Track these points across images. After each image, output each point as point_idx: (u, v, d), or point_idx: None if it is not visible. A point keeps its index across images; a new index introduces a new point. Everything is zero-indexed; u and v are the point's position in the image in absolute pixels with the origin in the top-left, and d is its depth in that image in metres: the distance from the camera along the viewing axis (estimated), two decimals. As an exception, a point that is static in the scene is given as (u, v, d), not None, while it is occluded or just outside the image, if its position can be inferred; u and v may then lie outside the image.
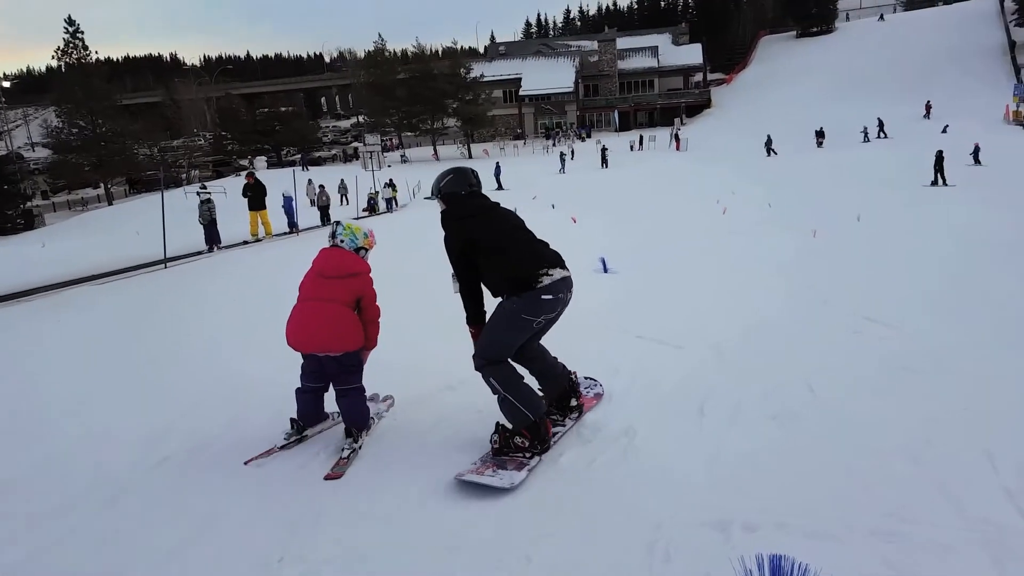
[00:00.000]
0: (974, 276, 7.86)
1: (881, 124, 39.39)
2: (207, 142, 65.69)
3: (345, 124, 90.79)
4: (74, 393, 5.17)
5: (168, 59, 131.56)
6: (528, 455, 3.59)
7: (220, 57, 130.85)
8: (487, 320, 3.72)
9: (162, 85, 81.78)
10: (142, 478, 3.76)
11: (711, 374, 4.81)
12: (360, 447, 3.88)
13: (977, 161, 27.03)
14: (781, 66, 66.13)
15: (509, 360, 3.72)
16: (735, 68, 72.88)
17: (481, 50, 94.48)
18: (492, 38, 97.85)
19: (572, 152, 44.17)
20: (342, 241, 3.98)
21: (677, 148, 44.01)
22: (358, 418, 3.92)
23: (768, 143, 36.64)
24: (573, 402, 4.10)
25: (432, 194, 3.97)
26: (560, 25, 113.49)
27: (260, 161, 51.99)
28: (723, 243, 11.08)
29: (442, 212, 3.82)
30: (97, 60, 51.28)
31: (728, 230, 12.55)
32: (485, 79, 57.80)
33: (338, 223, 4.08)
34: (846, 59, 61.31)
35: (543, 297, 3.56)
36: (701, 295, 7.39)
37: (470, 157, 51.45)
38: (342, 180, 29.65)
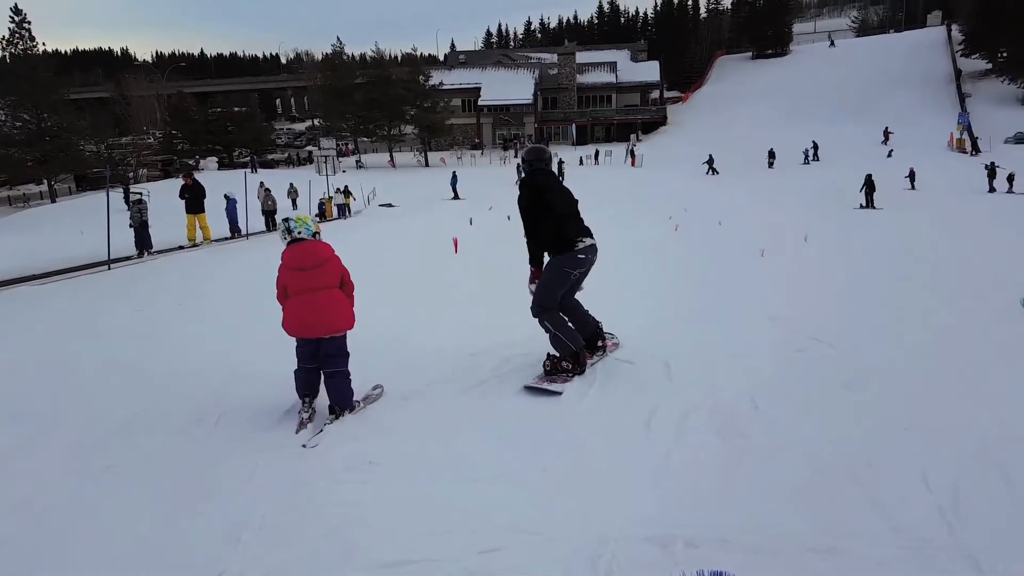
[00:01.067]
0: (908, 296, 8.15)
1: (816, 147, 40.63)
2: (157, 140, 63.99)
3: (300, 127, 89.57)
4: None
5: (119, 54, 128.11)
6: (571, 375, 4.86)
7: (173, 54, 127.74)
8: (542, 278, 4.94)
9: (112, 80, 79.54)
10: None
11: (659, 389, 4.84)
12: (345, 418, 4.29)
13: (912, 186, 28.16)
14: (736, 86, 67.84)
15: (557, 309, 4.91)
16: (691, 87, 74.51)
17: (441, 58, 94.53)
18: (452, 46, 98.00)
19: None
20: (300, 233, 4.24)
21: (632, 164, 44.66)
22: (344, 399, 4.30)
23: (710, 161, 37.48)
24: (599, 343, 5.41)
25: (521, 161, 5.27)
26: (521, 36, 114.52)
27: (211, 162, 50.89)
28: (675, 259, 11.25)
29: (527, 178, 4.96)
30: (44, 52, 49.50)
31: (680, 247, 12.75)
32: (444, 87, 57.69)
33: (287, 219, 4.30)
34: (799, 82, 63.25)
35: (578, 256, 4.87)
36: (651, 310, 7.46)
37: (427, 165, 51.31)
38: (291, 184, 28.97)
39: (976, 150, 41.94)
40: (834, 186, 26.46)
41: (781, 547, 2.93)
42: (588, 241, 4.93)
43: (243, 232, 16.90)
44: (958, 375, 5.11)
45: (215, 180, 24.57)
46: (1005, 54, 52.86)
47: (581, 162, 46.04)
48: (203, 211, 14.79)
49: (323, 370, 4.26)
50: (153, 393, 4.94)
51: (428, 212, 22.05)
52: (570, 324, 4.99)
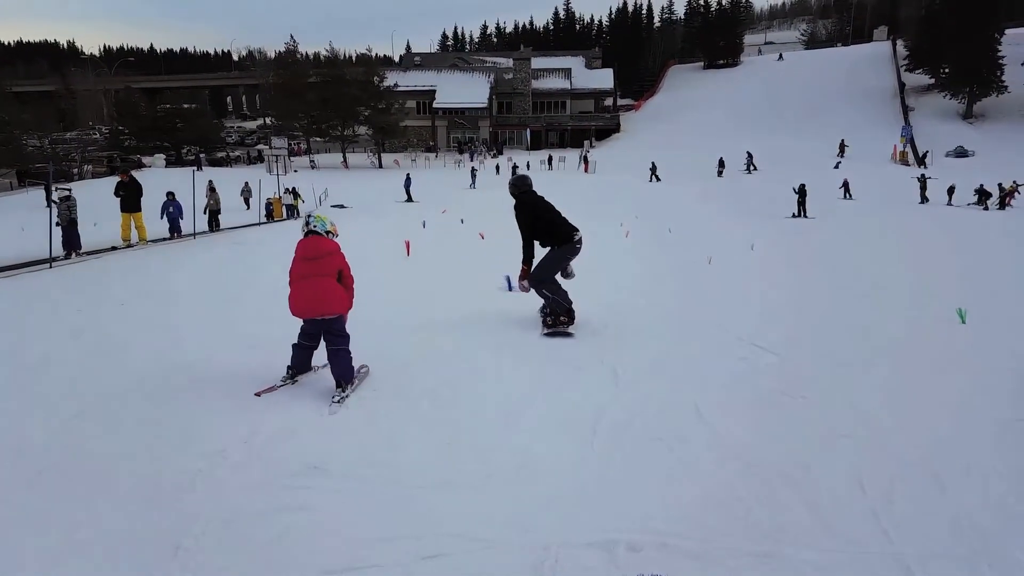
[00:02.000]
0: (846, 305, 8.43)
1: (750, 157, 41.58)
2: (103, 136, 61.95)
3: (251, 125, 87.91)
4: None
5: (65, 46, 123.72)
6: (567, 326, 6.52)
7: (122, 48, 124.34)
8: (540, 260, 6.47)
9: (57, 73, 76.86)
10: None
11: (606, 396, 4.91)
12: (348, 396, 4.74)
13: (848, 195, 29.20)
14: (688, 96, 69.09)
15: (553, 282, 6.46)
16: (644, 95, 75.52)
17: (396, 59, 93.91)
18: (408, 48, 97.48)
19: (484, 166, 44.42)
20: (314, 228, 4.92)
21: (586, 170, 45.04)
22: (346, 373, 4.83)
23: (653, 169, 38.15)
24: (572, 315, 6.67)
25: (511, 187, 6.58)
26: (476, 40, 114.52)
27: (158, 159, 49.49)
28: (624, 266, 11.39)
29: (517, 200, 6.47)
30: (-13, 43, 47.51)
31: (629, 253, 12.92)
32: (399, 88, 57.30)
33: (309, 215, 5.05)
34: (749, 93, 64.69)
35: (576, 246, 6.48)
36: (600, 316, 7.54)
37: (380, 167, 50.85)
38: (246, 183, 28.33)
39: (921, 163, 43.58)
40: (770, 195, 27.14)
41: (721, 552, 3.00)
42: (579, 234, 6.50)
43: (182, 233, 16.24)
44: (895, 384, 5.30)
45: (161, 178, 23.96)
46: (947, 70, 54.91)
47: (527, 166, 45.78)
48: (139, 210, 14.09)
49: (328, 347, 4.86)
50: (93, 393, 4.78)
51: (381, 214, 21.85)
52: (563, 289, 6.56)
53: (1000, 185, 27.86)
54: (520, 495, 3.50)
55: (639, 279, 10.15)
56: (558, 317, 6.54)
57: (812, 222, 21.21)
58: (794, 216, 22.74)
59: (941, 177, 31.85)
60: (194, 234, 16.45)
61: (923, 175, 30.63)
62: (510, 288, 8.78)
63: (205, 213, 18.90)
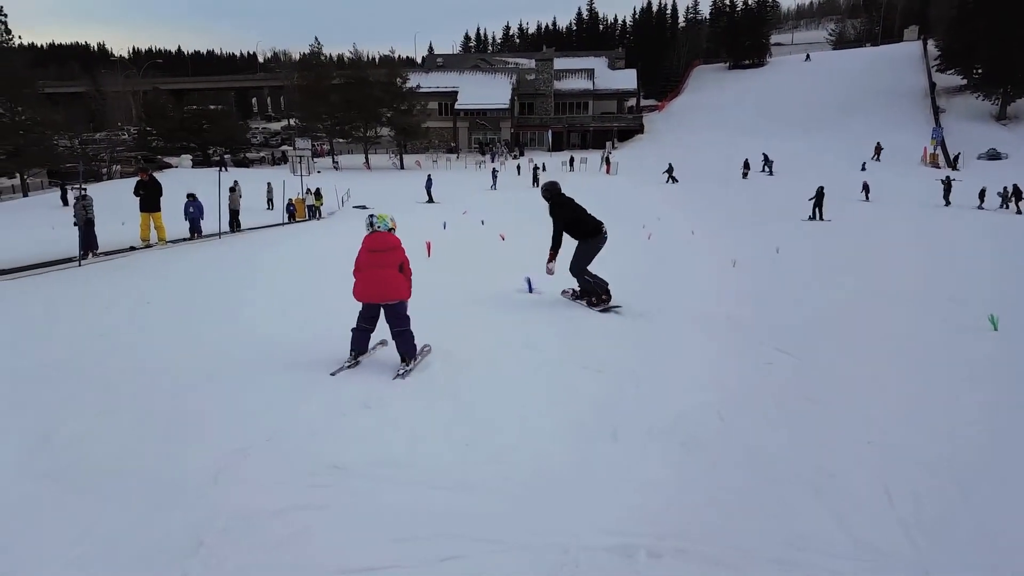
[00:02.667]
0: (868, 308, 8.31)
1: (766, 159, 41.00)
2: (131, 137, 62.86)
3: (276, 126, 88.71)
4: None
5: (96, 49, 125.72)
6: (608, 301, 7.70)
7: (150, 50, 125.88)
8: (575, 253, 7.64)
9: (88, 75, 78.11)
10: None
11: (627, 399, 4.88)
12: (412, 369, 5.40)
13: (867, 198, 28.83)
14: (713, 96, 68.38)
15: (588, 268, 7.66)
16: (668, 95, 75.01)
17: (419, 60, 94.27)
18: (430, 49, 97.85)
19: (504, 167, 44.41)
20: (378, 227, 5.60)
21: (607, 171, 44.87)
22: (410, 349, 5.49)
23: (670, 170, 37.87)
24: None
25: (543, 192, 7.91)
26: (499, 41, 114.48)
27: (185, 159, 50.16)
28: (646, 269, 11.32)
29: (552, 202, 7.75)
30: (20, 45, 48.49)
31: (652, 256, 12.84)
32: (421, 90, 57.44)
33: (372, 215, 5.75)
34: (776, 94, 63.82)
35: (604, 237, 7.71)
36: (622, 319, 7.50)
37: (402, 168, 51.11)
38: (269, 184, 28.59)
39: (952, 165, 42.77)
40: (789, 197, 26.73)
41: (742, 558, 2.97)
42: (605, 227, 7.75)
43: (203, 233, 16.10)
44: (922, 391, 5.21)
45: (190, 179, 24.25)
46: (980, 71, 53.80)
47: (544, 168, 45.10)
48: (159, 210, 13.85)
49: (392, 329, 5.48)
50: (112, 393, 4.85)
51: (402, 215, 21.88)
52: (598, 276, 7.78)
53: (1016, 186, 27.27)
54: (538, 498, 3.48)
55: (661, 282, 10.07)
56: (601, 296, 7.70)
57: (828, 224, 20.96)
58: (810, 218, 22.51)
59: (973, 180, 31.26)
60: (219, 233, 16.61)
61: (947, 177, 30.12)
62: (531, 290, 8.77)
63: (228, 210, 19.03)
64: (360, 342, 5.61)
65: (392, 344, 5.60)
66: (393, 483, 3.62)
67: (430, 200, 29.60)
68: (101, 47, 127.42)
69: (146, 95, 67.80)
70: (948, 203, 28.21)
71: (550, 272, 7.81)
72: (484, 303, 7.63)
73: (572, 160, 48.71)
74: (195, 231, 15.94)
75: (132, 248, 13.34)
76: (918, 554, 3.02)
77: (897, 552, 3.04)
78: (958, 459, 3.95)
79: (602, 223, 7.73)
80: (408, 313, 5.54)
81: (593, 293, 7.73)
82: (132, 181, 15.12)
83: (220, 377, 5.19)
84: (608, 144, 58.72)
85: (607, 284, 7.71)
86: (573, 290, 8.06)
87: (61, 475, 3.68)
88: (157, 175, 15.60)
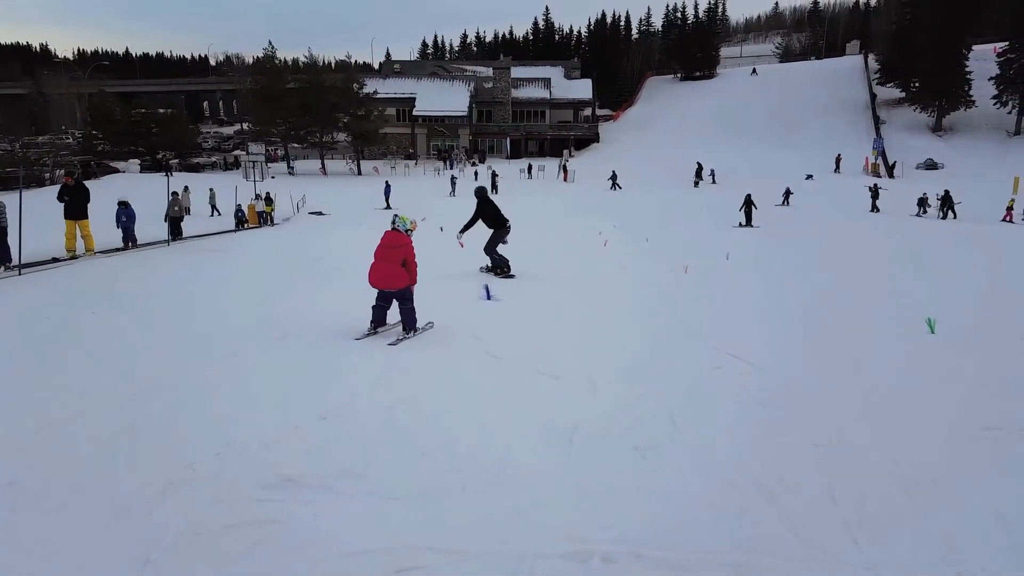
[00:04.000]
0: (815, 314, 8.54)
1: (699, 168, 41.69)
2: (76, 141, 60.93)
3: (229, 131, 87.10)
4: None
5: (38, 49, 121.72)
6: (510, 275, 10.50)
7: (96, 52, 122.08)
8: (490, 238, 10.60)
9: (30, 77, 75.60)
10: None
11: (583, 405, 4.92)
12: (411, 336, 6.70)
13: (786, 203, 30.00)
14: (665, 107, 69.55)
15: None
16: (622, 105, 76.00)
17: (376, 66, 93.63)
18: (388, 55, 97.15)
19: (464, 173, 44.28)
20: (397, 227, 6.87)
21: (565, 179, 45.17)
22: (411, 321, 6.80)
23: (613, 177, 38.48)
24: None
25: (476, 192, 11.09)
26: (456, 49, 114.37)
27: (133, 164, 48.81)
28: (602, 275, 11.43)
29: (480, 200, 10.78)
30: (-47, 43, 46.68)
31: (608, 262, 12.97)
32: (379, 96, 56.99)
33: (396, 215, 7.06)
34: (725, 105, 65.24)
35: (509, 229, 10.73)
36: (579, 326, 7.57)
37: (359, 174, 50.64)
38: (211, 190, 27.55)
39: (891, 175, 44.22)
40: (729, 205, 27.16)
41: (694, 561, 3.02)
42: (510, 223, 10.71)
43: (137, 242, 14.81)
44: (865, 394, 5.37)
45: (133, 184, 23.58)
46: (917, 84, 55.89)
47: (496, 176, 44.57)
48: (86, 217, 12.60)
49: (399, 306, 6.78)
50: (64, 404, 4.69)
51: (360, 221, 21.72)
52: (504, 257, 10.66)
53: (947, 191, 28.35)
54: (495, 506, 3.48)
55: (616, 288, 10.18)
56: (503, 269, 10.60)
57: (756, 231, 21.56)
58: (740, 225, 23.06)
59: (911, 189, 32.37)
60: (168, 241, 16.14)
61: (875, 185, 31.26)
62: (488, 297, 8.80)
63: (166, 221, 17.31)
64: (378, 315, 6.88)
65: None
66: (347, 495, 3.58)
67: (387, 207, 29.41)
68: (44, 48, 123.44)
69: (91, 98, 65.85)
70: (876, 209, 29.21)
71: (460, 245, 10.84)
72: (442, 310, 7.60)
73: (530, 168, 48.87)
74: (128, 240, 14.78)
75: (55, 260, 12.03)
76: (862, 554, 3.11)
77: (842, 552, 3.13)
78: (901, 460, 4.09)
79: (507, 219, 10.68)
80: (412, 294, 6.86)
81: (499, 267, 10.61)
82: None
83: (168, 390, 5.07)
84: (565, 152, 59.15)
85: (508, 261, 10.62)
86: (486, 265, 10.79)
87: (4, 491, 3.55)
88: (97, 181, 14.55)
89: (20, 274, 10.37)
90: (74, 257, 12.45)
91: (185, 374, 5.45)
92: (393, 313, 6.93)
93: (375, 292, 6.82)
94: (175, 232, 17.59)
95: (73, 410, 4.63)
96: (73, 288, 9.58)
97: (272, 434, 4.29)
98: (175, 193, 18.30)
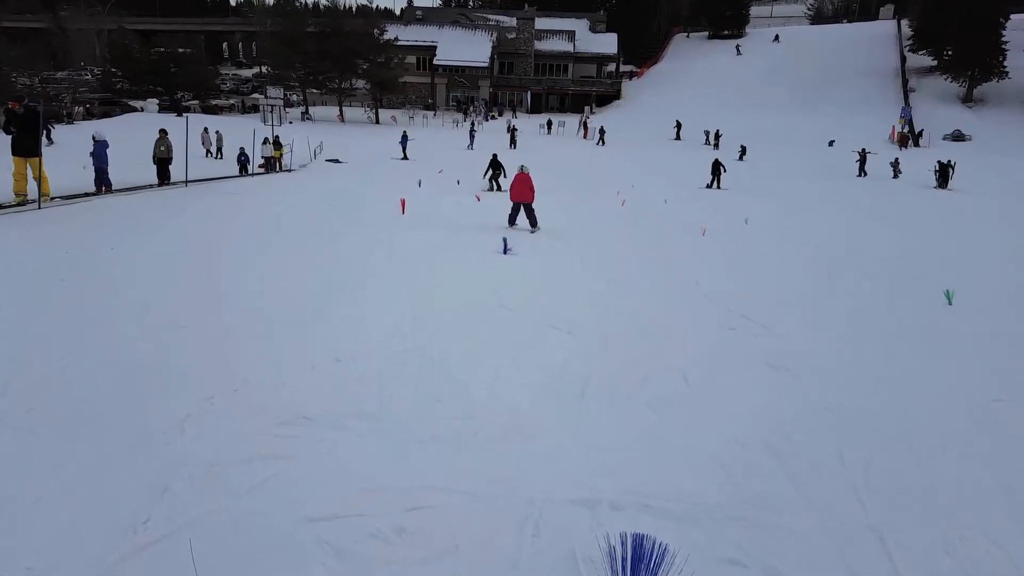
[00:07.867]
0: (826, 280, 8.51)
1: (707, 133, 41.26)
2: (94, 77, 60.64)
3: (247, 73, 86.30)
4: None
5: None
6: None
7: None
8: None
9: (49, 11, 74.90)
10: None
11: (595, 360, 4.95)
12: (539, 230, 10.60)
13: (742, 158, 31.59)
14: (691, 65, 68.06)
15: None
16: (647, 62, 74.49)
17: (397, 12, 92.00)
18: (409, 2, 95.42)
19: (483, 127, 43.80)
20: (525, 170, 11.10)
21: (584, 136, 44.59)
22: (534, 220, 10.99)
23: (602, 132, 38.38)
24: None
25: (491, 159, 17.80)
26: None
27: (151, 103, 48.62)
28: (620, 235, 11.39)
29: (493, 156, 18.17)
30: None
31: (625, 223, 12.90)
32: (399, 43, 56.13)
33: (523, 165, 11.51)
34: (752, 66, 63.81)
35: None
36: (594, 283, 7.57)
37: (377, 122, 50.23)
38: (205, 128, 26.70)
39: (916, 144, 43.38)
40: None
41: (701, 514, 3.07)
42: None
43: (111, 187, 12.80)
44: (876, 359, 5.37)
45: (147, 123, 23.34)
46: (950, 52, 54.32)
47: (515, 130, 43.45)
48: (38, 154, 10.17)
49: (526, 215, 10.87)
50: (84, 339, 4.77)
51: (376, 171, 21.59)
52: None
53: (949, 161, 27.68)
54: (506, 452, 3.54)
55: (633, 248, 10.15)
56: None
57: (726, 192, 21.28)
58: (708, 186, 22.78)
59: (933, 159, 31.67)
60: (108, 188, 13.84)
61: (863, 150, 30.98)
62: (506, 251, 8.79)
63: (154, 163, 15.45)
64: (512, 216, 11.01)
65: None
66: (362, 435, 3.64)
67: (404, 157, 29.21)
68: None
69: (111, 34, 65.27)
70: (863, 174, 29.04)
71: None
72: (459, 263, 7.63)
73: (550, 123, 48.22)
74: (102, 184, 12.65)
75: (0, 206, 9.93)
76: (866, 516, 3.15)
77: (847, 512, 3.17)
78: (911, 427, 4.10)
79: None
80: (533, 207, 10.96)
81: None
82: (93, 124, 12.44)
83: (184, 329, 5.13)
84: (586, 108, 58.27)
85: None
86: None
87: (26, 416, 3.63)
88: (115, 119, 12.23)
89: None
90: (23, 203, 10.15)
91: (189, 318, 5.50)
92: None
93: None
94: (162, 176, 15.56)
95: (96, 342, 4.70)
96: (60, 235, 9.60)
97: (289, 374, 4.35)
98: (162, 130, 16.04)
